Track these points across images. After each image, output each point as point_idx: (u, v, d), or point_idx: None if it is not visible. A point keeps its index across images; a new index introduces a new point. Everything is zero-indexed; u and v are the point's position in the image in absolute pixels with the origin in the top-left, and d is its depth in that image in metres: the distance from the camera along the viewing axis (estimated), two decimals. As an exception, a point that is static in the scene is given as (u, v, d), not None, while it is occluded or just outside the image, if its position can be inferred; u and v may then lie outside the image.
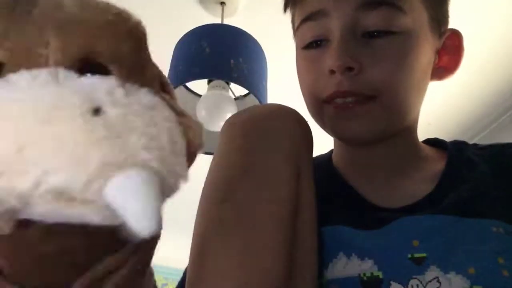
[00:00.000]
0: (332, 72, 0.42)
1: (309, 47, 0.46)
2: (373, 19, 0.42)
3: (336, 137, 0.48)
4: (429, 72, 0.47)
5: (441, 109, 1.94)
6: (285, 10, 0.51)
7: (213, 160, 0.40)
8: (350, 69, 0.41)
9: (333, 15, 0.43)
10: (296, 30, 0.48)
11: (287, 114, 0.40)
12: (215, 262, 0.34)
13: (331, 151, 0.56)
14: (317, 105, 0.46)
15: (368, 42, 0.42)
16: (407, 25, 0.42)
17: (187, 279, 0.36)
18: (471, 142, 0.52)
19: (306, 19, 0.45)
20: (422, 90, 0.46)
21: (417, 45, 0.43)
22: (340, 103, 0.43)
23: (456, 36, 0.49)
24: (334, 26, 0.43)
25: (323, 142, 0.51)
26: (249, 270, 0.33)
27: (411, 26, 0.43)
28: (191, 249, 0.37)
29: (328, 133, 0.47)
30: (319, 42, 0.45)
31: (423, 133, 0.55)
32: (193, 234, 0.37)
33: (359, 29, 0.43)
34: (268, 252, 0.34)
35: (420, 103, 0.48)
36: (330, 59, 0.42)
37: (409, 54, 0.42)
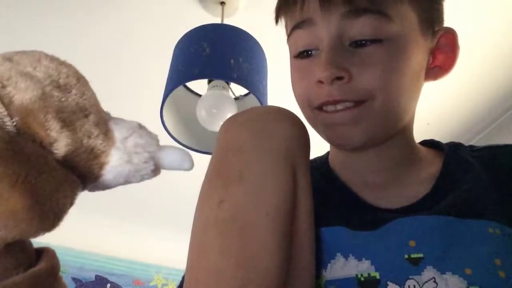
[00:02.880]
0: (321, 82, 0.43)
1: (301, 56, 0.46)
2: (359, 28, 0.42)
3: (330, 143, 0.49)
4: (422, 74, 0.47)
5: (440, 109, 1.94)
6: (276, 21, 0.50)
7: (211, 160, 0.40)
8: (339, 78, 0.42)
9: (321, 25, 0.43)
10: (287, 38, 0.49)
11: (284, 116, 0.41)
12: (212, 263, 0.34)
13: (328, 153, 0.56)
14: (310, 111, 0.46)
15: (356, 51, 0.42)
16: (395, 32, 0.42)
17: (185, 279, 0.36)
18: (471, 142, 0.52)
19: (296, 28, 0.46)
20: (415, 93, 0.46)
21: (407, 50, 0.43)
22: (332, 111, 0.44)
23: (450, 34, 0.48)
24: (322, 35, 0.43)
25: (320, 144, 0.51)
26: (247, 270, 0.33)
27: (398, 32, 0.42)
28: (189, 249, 0.37)
29: (323, 139, 0.48)
30: (310, 52, 0.45)
31: (422, 133, 0.55)
32: (191, 234, 0.37)
33: (346, 38, 0.43)
34: (265, 252, 0.34)
35: (414, 105, 0.48)
36: (318, 70, 0.42)
37: (398, 59, 0.42)
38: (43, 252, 0.34)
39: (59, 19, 1.52)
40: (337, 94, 0.42)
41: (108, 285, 2.80)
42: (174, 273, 2.96)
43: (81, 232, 2.51)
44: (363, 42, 0.42)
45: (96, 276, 2.77)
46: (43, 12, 1.49)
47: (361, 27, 0.42)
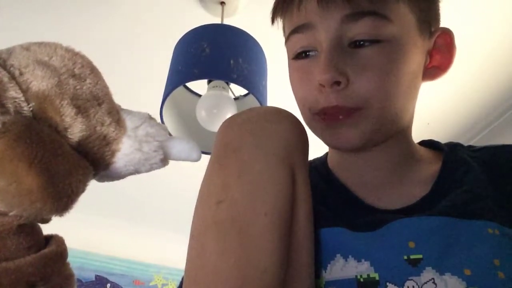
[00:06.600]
0: (322, 86, 0.43)
1: (299, 57, 0.46)
2: (358, 30, 0.42)
3: (329, 146, 0.49)
4: (420, 74, 0.47)
5: (440, 109, 1.93)
6: (272, 22, 0.50)
7: (209, 160, 0.40)
8: (337, 83, 0.42)
9: (320, 28, 0.43)
10: (286, 41, 0.49)
11: (283, 116, 0.41)
12: (211, 263, 0.34)
13: (327, 153, 0.56)
14: (309, 115, 0.46)
15: (355, 52, 0.42)
16: (393, 33, 0.42)
17: (184, 279, 0.36)
18: (471, 142, 0.52)
19: (294, 32, 0.46)
20: (413, 94, 0.46)
21: (405, 51, 0.43)
22: (330, 116, 0.44)
23: (447, 34, 0.48)
24: (322, 38, 0.43)
25: (319, 145, 0.51)
26: (245, 271, 0.33)
27: (397, 33, 0.42)
28: (188, 249, 0.37)
29: (322, 140, 0.48)
30: (308, 53, 0.45)
31: (422, 133, 0.55)
32: (190, 235, 0.37)
33: (345, 40, 0.43)
34: (263, 253, 0.34)
35: (412, 106, 0.48)
36: (318, 72, 0.42)
37: (397, 61, 0.42)
38: (52, 238, 0.35)
39: (59, 17, 1.52)
40: (335, 100, 0.42)
41: (108, 285, 2.80)
42: (174, 273, 2.96)
43: (81, 232, 2.51)
44: (361, 42, 0.42)
45: (96, 276, 2.77)
46: (42, 12, 1.49)
47: (361, 29, 0.42)
